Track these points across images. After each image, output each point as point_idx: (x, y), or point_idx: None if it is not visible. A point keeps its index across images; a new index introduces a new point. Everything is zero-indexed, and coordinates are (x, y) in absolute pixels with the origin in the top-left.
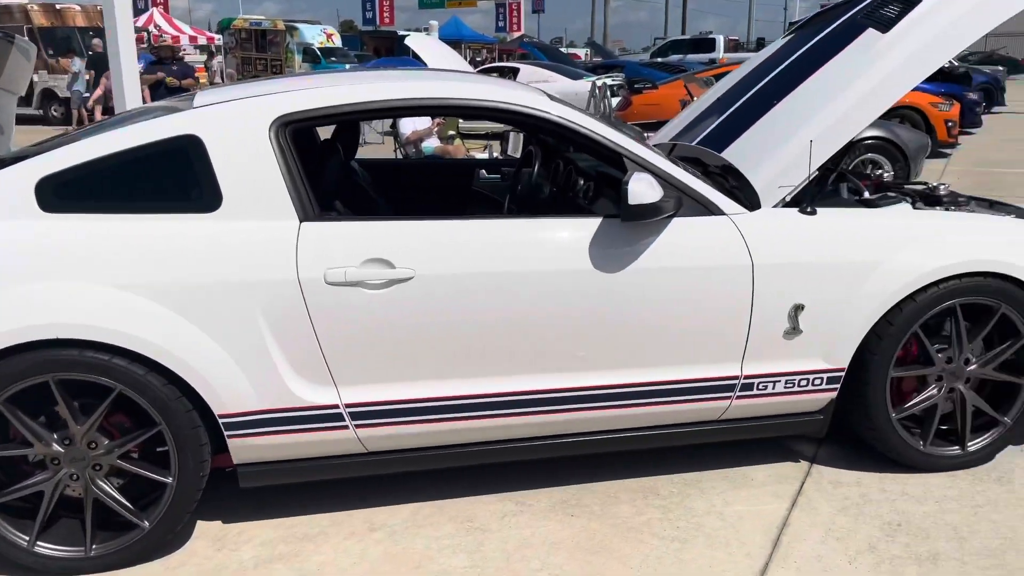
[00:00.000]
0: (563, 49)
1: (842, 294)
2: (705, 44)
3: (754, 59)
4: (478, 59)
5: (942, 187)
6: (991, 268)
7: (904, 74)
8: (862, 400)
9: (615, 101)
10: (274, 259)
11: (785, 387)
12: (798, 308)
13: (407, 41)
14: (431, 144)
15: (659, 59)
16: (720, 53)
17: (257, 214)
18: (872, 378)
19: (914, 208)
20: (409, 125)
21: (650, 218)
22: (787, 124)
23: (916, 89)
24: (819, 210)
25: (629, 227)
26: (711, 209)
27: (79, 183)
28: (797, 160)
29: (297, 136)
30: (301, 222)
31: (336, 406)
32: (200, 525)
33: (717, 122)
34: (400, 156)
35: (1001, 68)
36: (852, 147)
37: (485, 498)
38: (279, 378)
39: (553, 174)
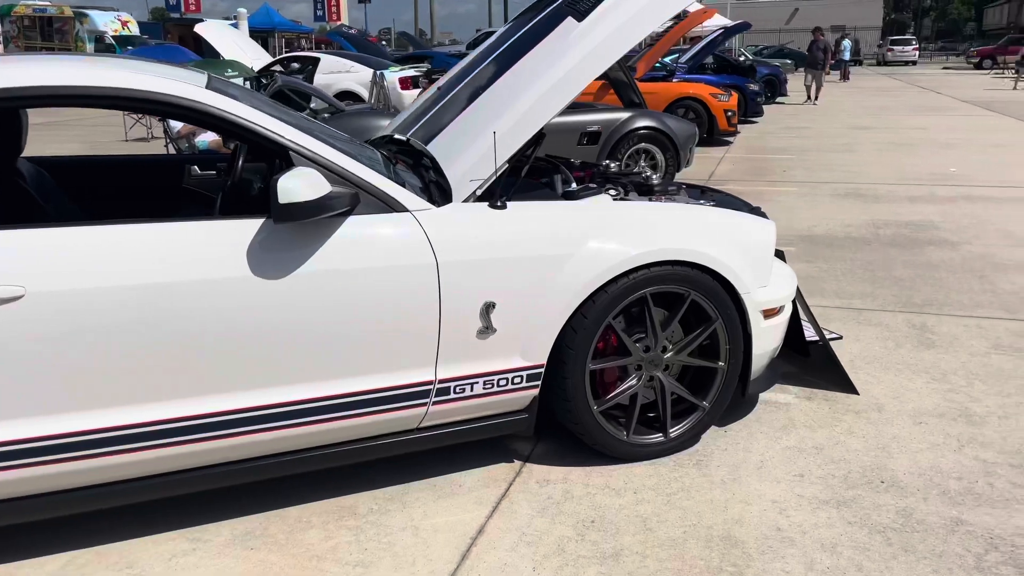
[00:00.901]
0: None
1: (535, 289)
2: None
3: (479, 48)
4: (287, 50)
5: (655, 176)
6: (677, 256)
7: (590, 63)
8: (563, 395)
9: (415, 92)
10: None
11: (485, 388)
12: (489, 306)
13: (197, 28)
14: (205, 139)
15: None
16: None
17: None
18: (570, 372)
19: (624, 198)
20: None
21: (306, 218)
22: (483, 116)
23: (699, 80)
24: (510, 204)
25: (294, 228)
26: (392, 206)
27: None
28: (488, 153)
29: None
30: None
31: None
32: None
33: (430, 114)
34: (172, 152)
35: (789, 61)
36: (541, 138)
37: (156, 537)
38: None
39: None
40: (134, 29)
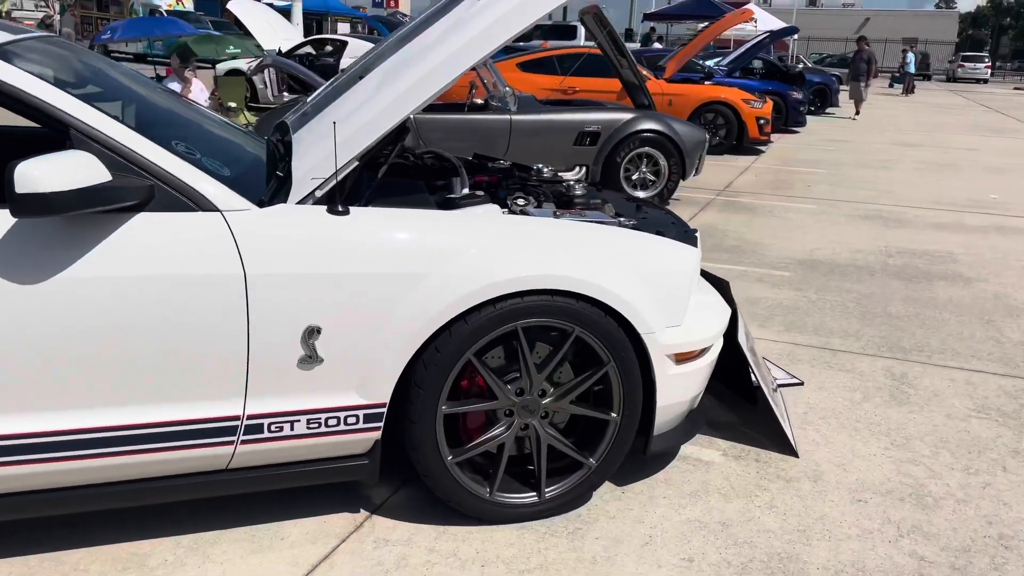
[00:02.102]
0: None
1: (374, 314)
2: (567, 31)
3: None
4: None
5: (579, 186)
6: (556, 285)
7: (457, 58)
8: (410, 441)
9: None
10: None
11: (309, 428)
12: (313, 331)
13: (229, 5)
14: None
15: (519, 43)
16: (581, 41)
17: None
18: (419, 415)
19: (524, 211)
20: (174, 89)
21: (52, 213)
22: (350, 106)
23: (735, 85)
24: (356, 210)
25: (61, 225)
26: (198, 203)
27: None
28: (341, 147)
29: None
30: None
31: None
32: None
33: (318, 98)
34: None
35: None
36: (403, 134)
37: None
38: None
39: None
40: (188, 5)
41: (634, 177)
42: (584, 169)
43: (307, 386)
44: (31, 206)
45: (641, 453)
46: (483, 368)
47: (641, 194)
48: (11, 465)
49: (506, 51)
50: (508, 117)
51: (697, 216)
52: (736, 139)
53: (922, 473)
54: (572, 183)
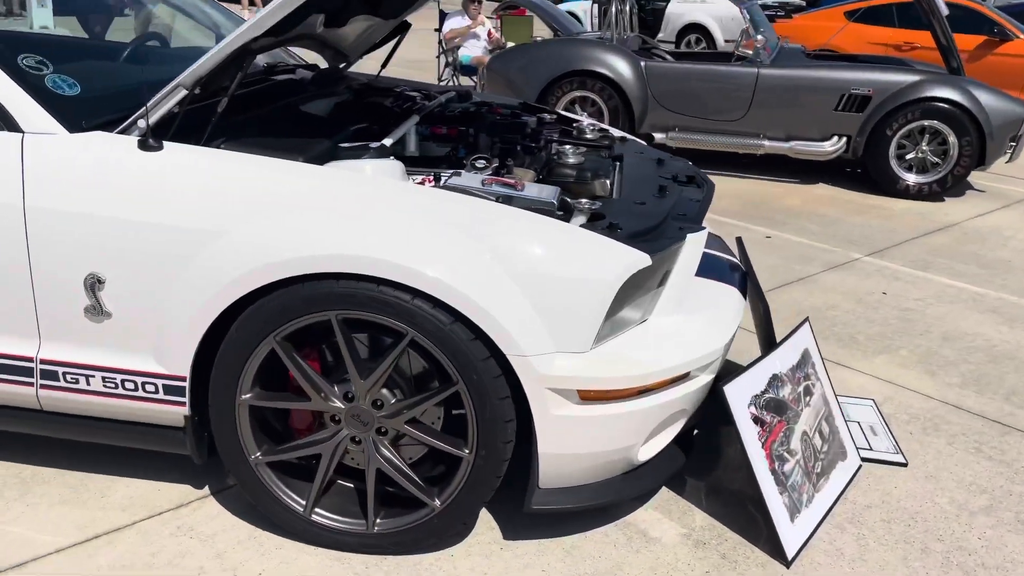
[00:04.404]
0: None
1: (164, 271)
2: None
3: None
4: None
5: (571, 156)
6: (374, 271)
7: None
8: (213, 427)
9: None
10: None
11: (106, 386)
12: (96, 280)
13: None
14: (469, 53)
15: None
16: None
17: None
18: (215, 398)
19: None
20: (449, 23)
21: None
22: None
23: None
24: (173, 146)
25: None
26: (6, 122)
27: None
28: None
29: None
30: None
31: None
32: None
33: None
34: (445, 62)
35: None
36: (240, 69)
37: None
38: None
39: None
40: None
41: (909, 156)
42: (844, 140)
43: (100, 340)
44: None
45: (521, 508)
46: (288, 359)
47: (913, 179)
48: None
49: None
50: (755, 71)
51: (987, 216)
52: None
53: None
54: (567, 153)
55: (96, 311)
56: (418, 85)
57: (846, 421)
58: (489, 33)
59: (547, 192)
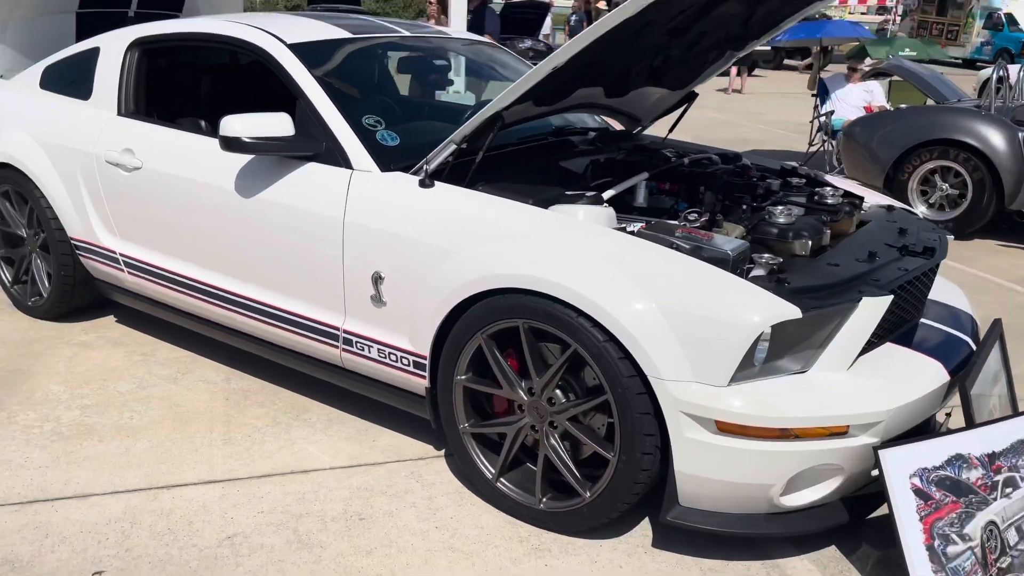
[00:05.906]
0: None
1: (420, 275)
2: None
3: None
4: None
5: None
6: (543, 289)
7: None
8: (435, 398)
9: None
10: (90, 136)
11: (379, 356)
12: (379, 277)
13: None
14: (842, 117)
15: None
16: None
17: (103, 105)
18: (442, 375)
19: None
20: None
21: (243, 152)
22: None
23: None
24: (441, 186)
25: (270, 162)
26: (343, 160)
27: None
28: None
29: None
30: (115, 115)
31: (114, 251)
32: None
33: None
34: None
35: None
36: (495, 123)
37: None
38: (88, 221)
39: None
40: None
41: None
42: None
43: (378, 320)
44: (229, 145)
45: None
46: (489, 353)
47: None
48: (239, 315)
49: None
50: None
51: None
52: None
53: None
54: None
55: (377, 299)
56: (692, 147)
57: None
58: (867, 107)
59: (731, 245)
